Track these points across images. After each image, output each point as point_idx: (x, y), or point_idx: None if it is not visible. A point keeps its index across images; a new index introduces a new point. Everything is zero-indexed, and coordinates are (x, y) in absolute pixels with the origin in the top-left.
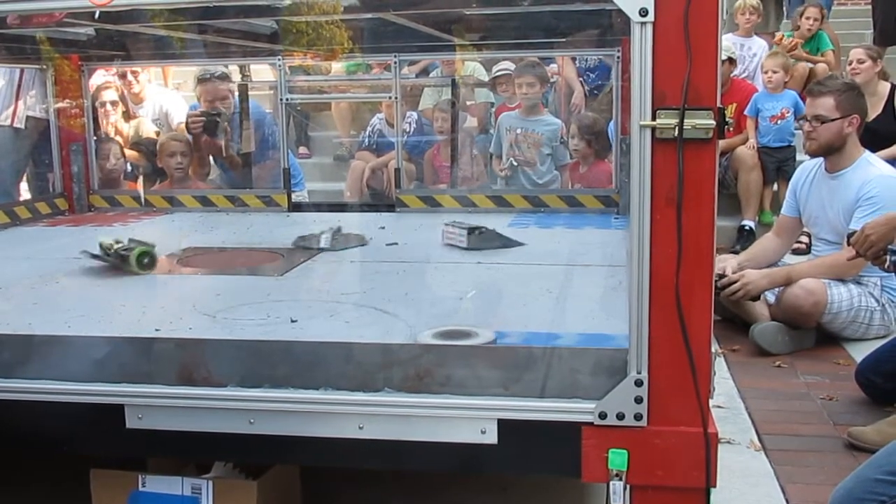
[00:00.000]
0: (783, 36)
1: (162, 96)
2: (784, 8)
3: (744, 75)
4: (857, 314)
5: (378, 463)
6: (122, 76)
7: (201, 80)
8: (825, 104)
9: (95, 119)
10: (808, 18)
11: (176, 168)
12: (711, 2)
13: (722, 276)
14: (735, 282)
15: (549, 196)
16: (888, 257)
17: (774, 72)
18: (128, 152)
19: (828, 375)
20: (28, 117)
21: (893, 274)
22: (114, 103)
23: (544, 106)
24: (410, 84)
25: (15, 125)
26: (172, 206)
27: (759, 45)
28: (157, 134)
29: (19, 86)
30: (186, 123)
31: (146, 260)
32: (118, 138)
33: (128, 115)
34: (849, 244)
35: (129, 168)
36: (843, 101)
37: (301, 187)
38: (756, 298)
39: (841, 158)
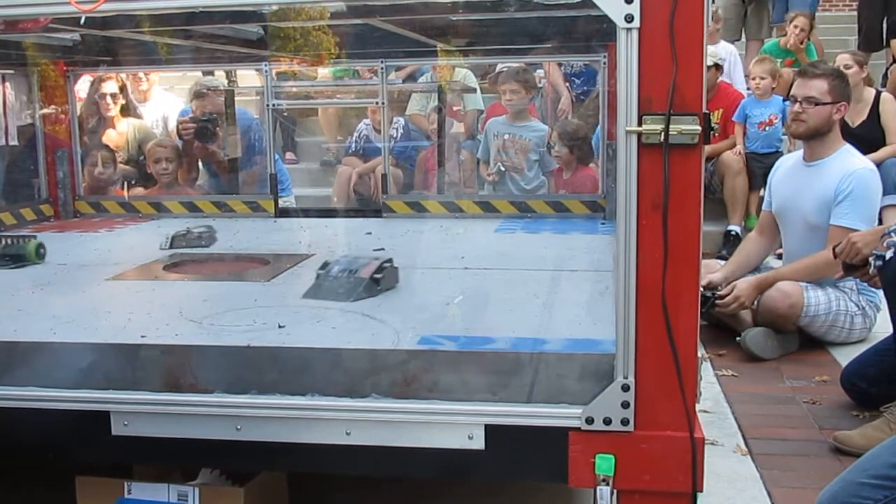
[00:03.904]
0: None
1: (165, 101)
2: (770, 14)
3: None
4: (835, 318)
5: (365, 469)
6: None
7: (198, 95)
8: (818, 87)
9: (81, 126)
10: (795, 27)
11: (163, 173)
12: (696, 8)
13: (713, 290)
14: (728, 300)
15: (535, 201)
16: (872, 261)
17: (762, 78)
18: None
19: (813, 380)
20: (18, 128)
21: (878, 284)
22: (114, 96)
23: (536, 109)
24: (397, 89)
25: (10, 143)
26: (159, 212)
27: (726, 50)
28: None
29: (5, 98)
30: (177, 129)
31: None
32: (111, 132)
33: (127, 110)
34: (834, 256)
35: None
36: (835, 87)
37: (288, 193)
38: (750, 307)
39: (823, 146)
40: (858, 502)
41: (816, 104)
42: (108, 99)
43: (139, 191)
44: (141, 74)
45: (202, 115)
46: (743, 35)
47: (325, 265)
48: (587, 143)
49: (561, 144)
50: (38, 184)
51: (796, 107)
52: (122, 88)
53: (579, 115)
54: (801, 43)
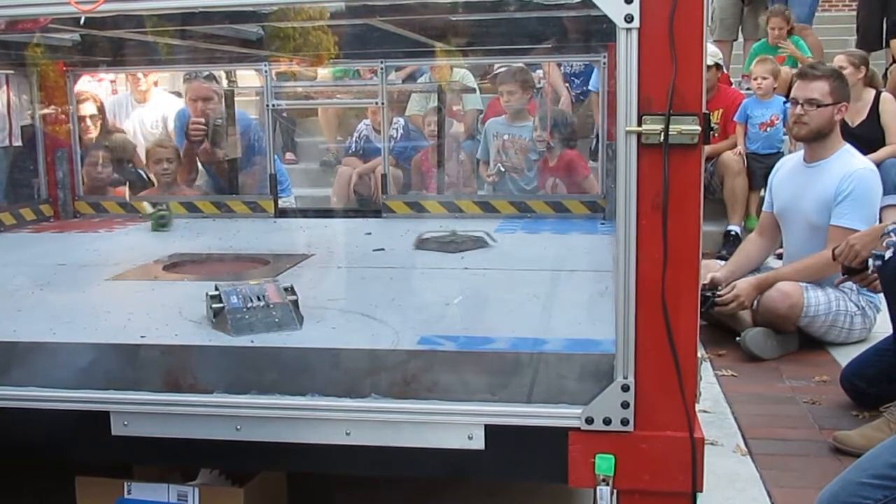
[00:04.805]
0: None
1: (166, 101)
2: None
3: None
4: (835, 318)
5: (365, 469)
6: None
7: (187, 79)
8: (820, 88)
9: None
10: (773, 29)
11: (163, 174)
12: (696, 8)
13: (713, 288)
14: (728, 299)
15: (535, 201)
16: (871, 261)
17: (764, 78)
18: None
19: (813, 380)
20: (22, 128)
21: (878, 289)
22: (93, 118)
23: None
24: (397, 90)
25: (13, 144)
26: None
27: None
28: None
29: (9, 99)
30: (187, 131)
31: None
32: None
33: (106, 130)
34: (834, 259)
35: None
36: (836, 88)
37: (288, 193)
38: (749, 307)
39: (824, 147)
40: (859, 502)
41: (818, 106)
42: (88, 122)
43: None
44: (140, 75)
45: (213, 120)
46: (740, 35)
47: (215, 297)
48: (567, 124)
49: (542, 129)
50: (37, 184)
51: (798, 109)
52: (101, 109)
53: (579, 114)
54: (786, 35)
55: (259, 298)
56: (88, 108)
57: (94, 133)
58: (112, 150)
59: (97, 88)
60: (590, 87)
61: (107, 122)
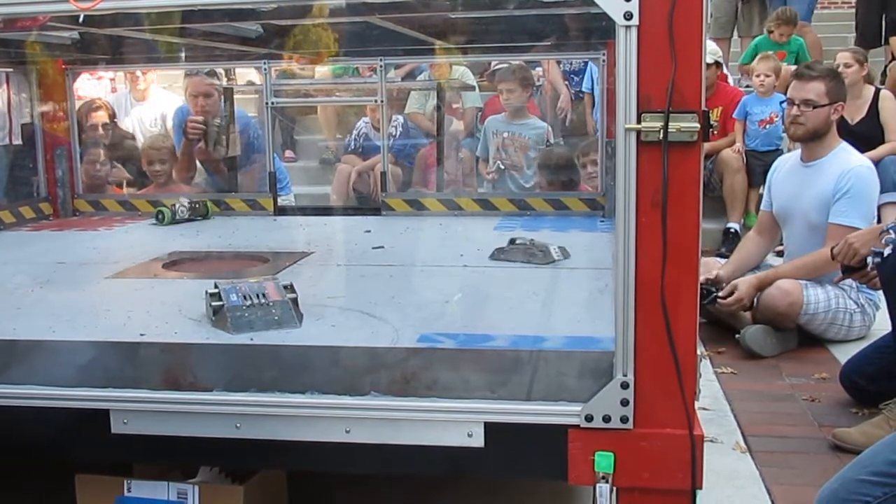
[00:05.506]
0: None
1: (165, 100)
2: (768, 10)
3: None
4: (835, 316)
5: (365, 467)
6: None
7: (188, 75)
8: (816, 89)
9: (80, 126)
10: (781, 35)
11: (156, 174)
12: (696, 5)
13: (713, 283)
14: (728, 296)
15: (535, 199)
16: (871, 259)
17: (767, 76)
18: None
19: (812, 377)
20: (22, 126)
21: (877, 286)
22: (105, 126)
23: (537, 107)
24: (396, 87)
25: (14, 142)
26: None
27: None
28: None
29: (9, 98)
30: (185, 129)
31: None
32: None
33: (118, 138)
34: (833, 258)
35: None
36: (832, 88)
37: (287, 191)
38: (750, 307)
39: (821, 147)
40: (858, 499)
41: (814, 107)
42: (101, 129)
43: (134, 190)
44: (139, 73)
45: (211, 119)
46: (735, 33)
47: (215, 295)
48: (569, 163)
49: (555, 136)
50: (37, 182)
51: (794, 110)
52: (113, 116)
53: (577, 111)
54: (784, 38)
55: (258, 296)
56: (101, 117)
57: (106, 141)
58: (114, 148)
59: (97, 87)
60: (583, 89)
61: (118, 129)
